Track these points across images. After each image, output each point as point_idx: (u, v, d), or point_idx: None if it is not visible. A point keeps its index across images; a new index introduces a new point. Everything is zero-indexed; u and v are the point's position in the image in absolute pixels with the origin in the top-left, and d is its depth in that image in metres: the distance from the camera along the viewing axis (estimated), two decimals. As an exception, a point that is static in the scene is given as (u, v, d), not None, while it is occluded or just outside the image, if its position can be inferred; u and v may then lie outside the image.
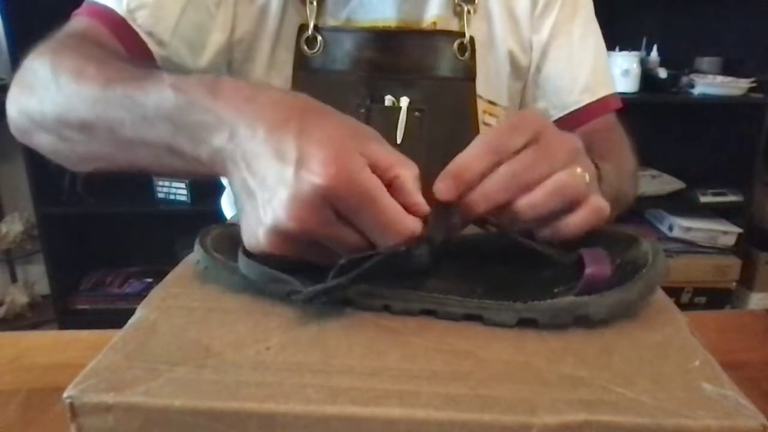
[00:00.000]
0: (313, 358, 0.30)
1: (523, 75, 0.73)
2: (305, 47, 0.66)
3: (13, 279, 2.10)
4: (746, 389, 0.28)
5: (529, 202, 0.36)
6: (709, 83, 1.86)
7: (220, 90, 0.37)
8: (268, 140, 0.33)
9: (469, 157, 0.36)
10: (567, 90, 0.72)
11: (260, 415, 0.27)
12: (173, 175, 0.47)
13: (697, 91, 1.87)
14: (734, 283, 1.99)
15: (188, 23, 0.62)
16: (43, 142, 0.52)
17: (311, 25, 0.65)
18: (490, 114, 0.71)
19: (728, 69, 1.95)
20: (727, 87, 1.86)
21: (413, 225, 0.33)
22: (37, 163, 1.77)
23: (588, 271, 0.33)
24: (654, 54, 1.93)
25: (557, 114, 0.72)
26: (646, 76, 1.87)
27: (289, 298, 0.35)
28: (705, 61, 1.97)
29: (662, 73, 1.89)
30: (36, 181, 1.79)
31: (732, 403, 0.27)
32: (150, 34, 0.61)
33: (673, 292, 1.92)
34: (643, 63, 1.89)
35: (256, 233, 0.34)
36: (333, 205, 0.32)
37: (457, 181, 0.36)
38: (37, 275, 2.07)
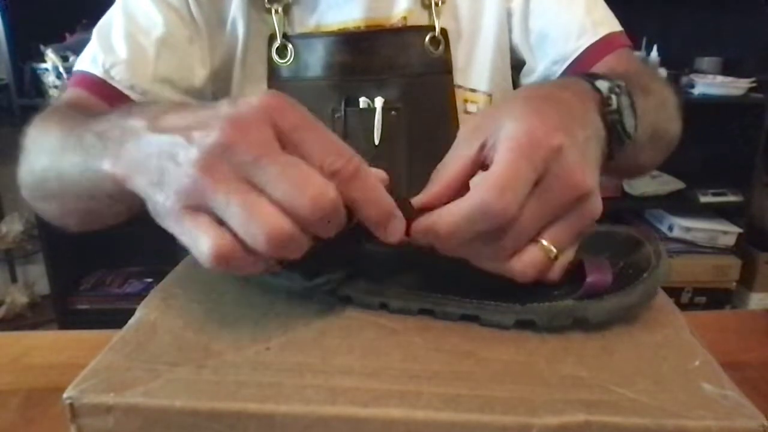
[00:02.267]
0: (312, 358, 0.30)
1: (504, 52, 0.70)
2: (276, 57, 0.66)
3: (13, 279, 2.10)
4: (746, 389, 0.28)
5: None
6: (709, 83, 1.86)
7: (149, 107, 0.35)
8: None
9: (457, 221, 0.31)
10: (563, 39, 0.67)
11: (260, 416, 0.27)
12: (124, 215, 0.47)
13: (697, 91, 1.87)
14: (734, 283, 1.99)
15: (166, 65, 0.64)
16: (39, 208, 0.55)
17: (279, 35, 0.65)
18: (472, 102, 0.70)
19: (728, 69, 1.94)
20: (727, 87, 1.86)
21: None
22: (37, 163, 1.76)
23: (589, 279, 0.33)
24: (654, 54, 1.93)
25: (560, 68, 0.68)
26: (646, 76, 1.87)
27: (289, 294, 0.35)
28: (705, 61, 1.97)
29: (662, 73, 1.89)
30: (36, 181, 1.79)
31: (732, 404, 0.27)
32: (131, 87, 0.62)
33: (673, 292, 1.92)
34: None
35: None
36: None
37: (435, 239, 0.32)
38: (37, 275, 2.07)
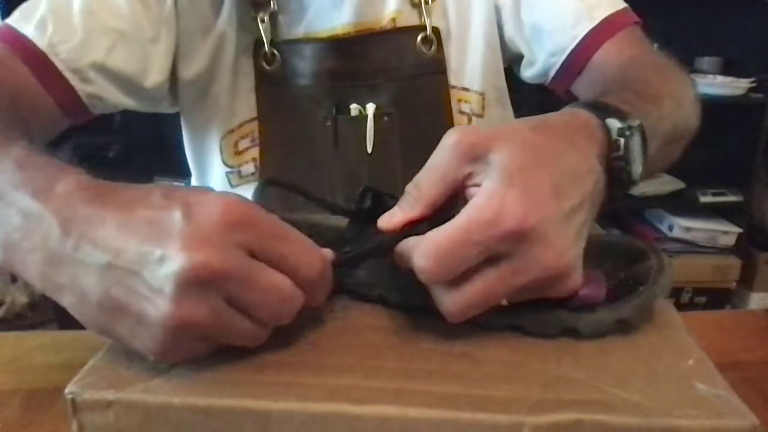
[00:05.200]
0: (310, 357, 0.31)
1: (495, 48, 0.69)
2: (264, 64, 0.65)
3: (13, 279, 2.10)
4: (746, 389, 0.28)
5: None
6: (709, 83, 1.86)
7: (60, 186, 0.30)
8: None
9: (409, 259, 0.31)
10: (558, 29, 0.64)
11: (256, 412, 0.27)
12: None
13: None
14: (734, 283, 1.99)
15: (118, 61, 0.59)
16: None
17: (266, 42, 0.64)
18: (465, 101, 0.69)
19: (728, 69, 1.94)
20: (727, 87, 1.86)
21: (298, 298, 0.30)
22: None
23: (581, 293, 0.32)
24: (654, 54, 1.93)
25: (559, 59, 0.65)
26: (646, 77, 1.87)
27: None
28: (705, 61, 1.97)
29: (662, 74, 1.89)
30: (37, 181, 1.79)
31: (724, 403, 0.27)
32: (74, 70, 0.57)
33: (673, 292, 1.91)
34: (643, 63, 1.89)
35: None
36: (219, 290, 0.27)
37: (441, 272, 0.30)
38: (37, 275, 2.07)
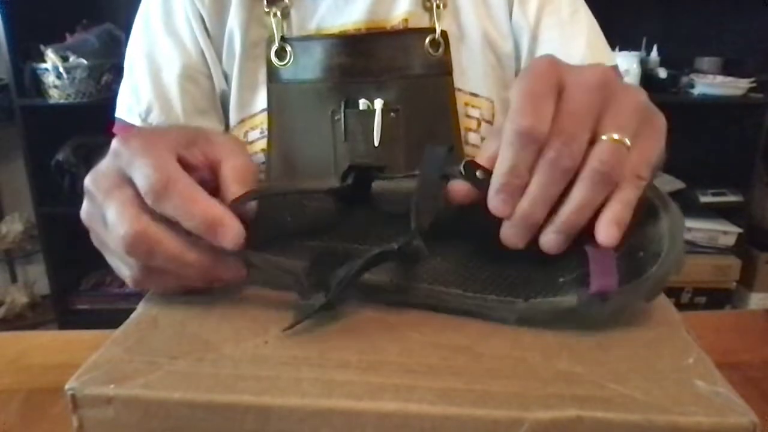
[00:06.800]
0: (310, 352, 0.31)
1: (506, 62, 0.71)
2: (276, 59, 0.67)
3: (13, 279, 2.10)
4: (746, 389, 0.28)
5: (570, 210, 0.33)
6: (709, 83, 1.86)
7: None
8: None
9: (513, 161, 0.32)
10: None
11: (256, 408, 0.27)
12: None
13: (697, 91, 1.87)
14: (734, 283, 1.99)
15: (193, 98, 0.68)
16: None
17: (277, 37, 0.66)
18: (473, 106, 0.70)
19: (728, 69, 1.95)
20: (727, 87, 1.86)
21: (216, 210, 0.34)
22: (37, 163, 1.77)
23: (594, 287, 0.32)
24: (654, 54, 1.93)
25: None
26: (646, 76, 1.87)
27: (288, 288, 0.36)
28: (705, 61, 1.97)
29: (662, 73, 1.89)
30: (36, 181, 1.80)
31: (724, 400, 0.27)
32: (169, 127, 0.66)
33: (673, 292, 1.91)
34: (643, 63, 1.89)
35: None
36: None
37: (514, 194, 0.33)
38: (37, 275, 2.07)
